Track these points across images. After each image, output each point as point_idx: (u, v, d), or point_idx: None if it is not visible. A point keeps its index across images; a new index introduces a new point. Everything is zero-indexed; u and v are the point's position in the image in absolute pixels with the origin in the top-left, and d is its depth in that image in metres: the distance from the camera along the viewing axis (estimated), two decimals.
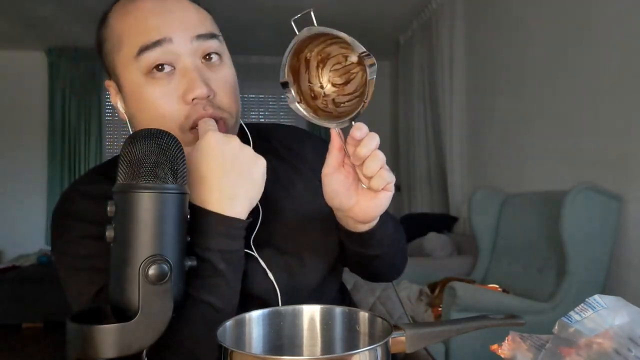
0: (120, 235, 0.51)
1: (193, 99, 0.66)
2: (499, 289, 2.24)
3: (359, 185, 0.62)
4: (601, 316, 0.49)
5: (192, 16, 0.68)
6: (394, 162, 4.77)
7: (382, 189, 0.60)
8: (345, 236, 0.72)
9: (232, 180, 0.61)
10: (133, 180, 0.52)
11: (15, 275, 3.99)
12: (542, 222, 2.30)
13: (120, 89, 0.71)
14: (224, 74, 0.70)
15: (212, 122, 0.65)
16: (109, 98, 5.11)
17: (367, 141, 0.57)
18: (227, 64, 0.72)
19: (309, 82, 0.60)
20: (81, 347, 0.47)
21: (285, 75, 0.58)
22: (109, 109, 5.17)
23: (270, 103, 5.46)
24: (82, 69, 4.96)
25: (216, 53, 0.70)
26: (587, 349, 0.47)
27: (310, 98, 0.60)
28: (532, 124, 2.74)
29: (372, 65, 0.54)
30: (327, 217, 0.70)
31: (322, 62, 0.59)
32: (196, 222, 0.60)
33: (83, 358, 0.47)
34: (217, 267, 0.61)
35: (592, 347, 0.47)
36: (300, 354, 0.55)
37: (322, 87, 0.60)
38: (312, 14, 0.55)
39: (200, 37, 0.67)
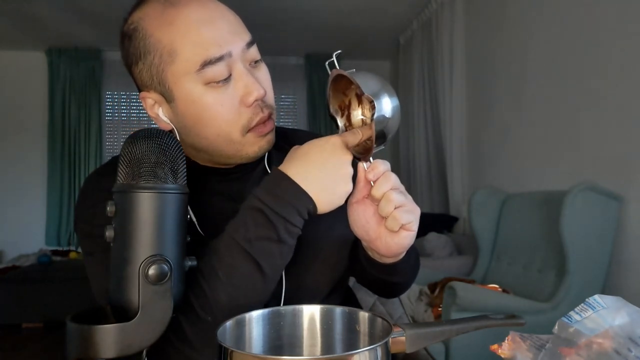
0: (120, 235, 0.51)
1: (253, 102, 0.68)
2: (499, 289, 2.24)
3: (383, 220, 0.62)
4: (601, 316, 0.49)
5: (237, 23, 0.70)
6: (394, 162, 4.77)
7: (402, 228, 0.60)
8: (366, 261, 0.72)
9: (326, 179, 0.61)
10: (133, 180, 0.52)
11: (15, 275, 3.98)
12: (542, 222, 2.30)
13: (169, 100, 0.69)
14: (265, 72, 0.74)
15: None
16: (109, 98, 5.14)
17: (380, 182, 0.60)
18: (262, 62, 0.74)
19: (363, 115, 0.63)
20: (81, 347, 0.47)
21: (330, 109, 0.65)
22: (109, 109, 5.17)
23: None
24: (82, 69, 4.96)
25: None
26: (587, 349, 0.47)
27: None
28: (532, 124, 2.74)
29: (372, 105, 0.57)
30: (342, 229, 0.71)
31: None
32: (275, 186, 0.61)
33: (83, 358, 0.47)
34: (281, 234, 0.61)
35: (592, 347, 0.47)
36: (300, 354, 0.55)
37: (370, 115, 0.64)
38: (334, 57, 0.60)
39: (248, 44, 0.69)
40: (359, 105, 0.63)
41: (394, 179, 0.60)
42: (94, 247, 0.68)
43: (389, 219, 0.60)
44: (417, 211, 0.61)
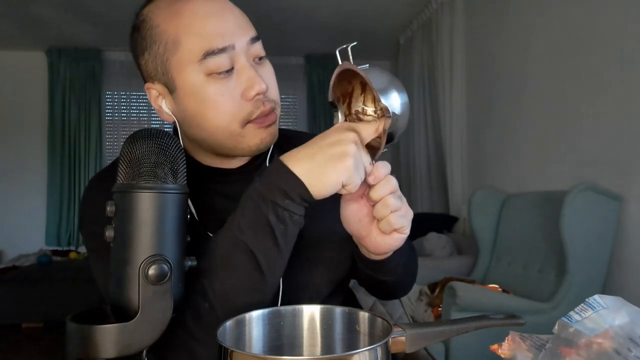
0: (120, 235, 0.51)
1: (255, 95, 0.68)
2: (499, 289, 2.24)
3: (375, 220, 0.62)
4: (601, 316, 0.49)
5: (242, 19, 0.71)
6: (394, 163, 4.77)
7: (395, 231, 0.61)
8: (358, 257, 0.73)
9: (318, 157, 0.57)
10: (133, 180, 0.52)
11: (15, 275, 3.98)
12: (542, 222, 2.30)
13: (171, 90, 0.70)
14: (269, 69, 0.74)
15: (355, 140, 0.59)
16: (109, 98, 5.14)
17: (380, 186, 0.59)
18: (267, 59, 0.74)
19: (364, 104, 0.62)
20: (81, 347, 0.47)
21: (330, 96, 0.62)
22: (109, 109, 5.17)
23: None
24: (82, 69, 4.96)
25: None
26: (587, 349, 0.47)
27: (357, 120, 0.62)
28: (532, 124, 2.74)
29: (388, 117, 0.56)
30: (344, 232, 0.71)
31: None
32: (268, 172, 0.59)
33: (83, 358, 0.47)
34: (271, 220, 0.58)
35: (592, 347, 0.47)
36: (300, 354, 0.55)
37: (375, 111, 0.61)
38: (349, 49, 0.58)
39: (252, 39, 0.70)
40: (361, 94, 0.62)
41: (393, 183, 0.60)
42: (99, 246, 0.68)
43: (383, 222, 0.60)
44: (410, 215, 0.62)
